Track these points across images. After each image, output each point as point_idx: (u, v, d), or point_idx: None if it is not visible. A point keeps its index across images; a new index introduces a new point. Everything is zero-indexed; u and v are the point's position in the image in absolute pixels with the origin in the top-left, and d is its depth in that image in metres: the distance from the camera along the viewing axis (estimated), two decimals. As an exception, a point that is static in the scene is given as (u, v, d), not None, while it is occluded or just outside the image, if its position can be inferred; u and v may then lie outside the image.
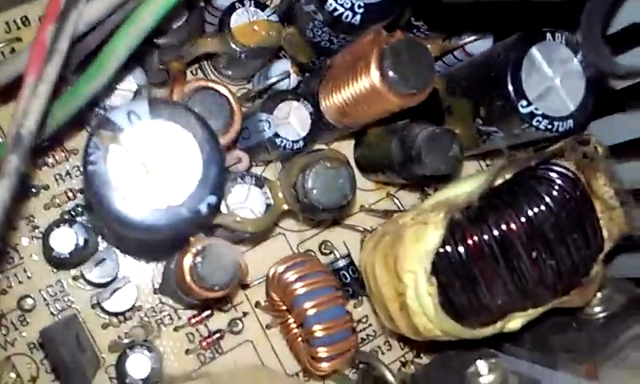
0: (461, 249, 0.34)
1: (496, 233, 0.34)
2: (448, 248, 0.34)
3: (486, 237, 0.34)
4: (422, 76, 0.33)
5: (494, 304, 0.34)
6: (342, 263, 0.44)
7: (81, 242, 0.35)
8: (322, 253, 0.44)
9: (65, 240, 0.35)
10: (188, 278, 0.34)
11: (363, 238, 0.44)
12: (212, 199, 0.29)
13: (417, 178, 0.40)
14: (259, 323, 0.42)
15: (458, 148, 0.38)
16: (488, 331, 0.34)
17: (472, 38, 0.40)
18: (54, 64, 0.26)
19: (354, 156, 0.44)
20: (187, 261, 0.33)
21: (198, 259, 0.33)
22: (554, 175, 0.36)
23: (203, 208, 0.29)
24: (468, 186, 0.37)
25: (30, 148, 0.24)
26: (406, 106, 0.34)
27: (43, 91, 0.25)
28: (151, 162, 0.28)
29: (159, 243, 0.34)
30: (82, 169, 0.28)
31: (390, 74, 0.32)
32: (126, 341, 0.38)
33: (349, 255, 0.44)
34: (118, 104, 0.34)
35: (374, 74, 0.33)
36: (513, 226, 0.35)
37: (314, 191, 0.35)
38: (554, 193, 0.35)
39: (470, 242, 0.34)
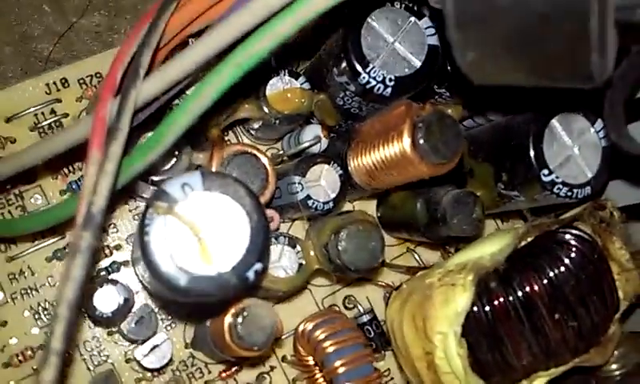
0: (487, 309, 0.36)
1: (520, 294, 0.36)
2: (475, 309, 0.36)
3: (511, 298, 0.36)
4: (451, 147, 0.35)
5: (519, 364, 0.35)
6: (365, 318, 0.45)
7: (122, 301, 0.36)
8: (347, 308, 0.46)
9: (108, 299, 0.36)
10: (227, 337, 0.35)
11: (386, 293, 0.45)
12: (259, 266, 0.31)
13: (440, 239, 0.42)
14: (286, 377, 0.43)
15: (481, 210, 0.40)
16: (514, 390, 0.36)
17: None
18: (119, 142, 0.28)
19: (377, 215, 0.45)
20: (227, 320, 0.35)
21: (238, 320, 0.35)
22: (572, 239, 0.38)
23: (251, 275, 0.30)
24: (490, 247, 0.39)
25: (101, 225, 0.25)
26: (434, 174, 0.36)
27: (110, 169, 0.27)
28: (203, 231, 0.30)
29: (203, 306, 0.36)
30: (138, 237, 0.30)
31: (422, 144, 0.34)
32: (161, 396, 0.39)
33: (372, 310, 0.46)
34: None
35: (407, 144, 0.35)
36: (536, 287, 0.36)
37: (347, 253, 0.37)
38: (573, 255, 0.37)
39: (496, 303, 0.36)
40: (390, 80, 0.36)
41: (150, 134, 0.31)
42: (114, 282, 0.37)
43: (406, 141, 0.35)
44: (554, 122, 0.37)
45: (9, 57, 0.47)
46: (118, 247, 0.42)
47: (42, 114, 0.42)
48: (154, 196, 0.30)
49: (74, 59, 0.46)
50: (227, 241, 0.30)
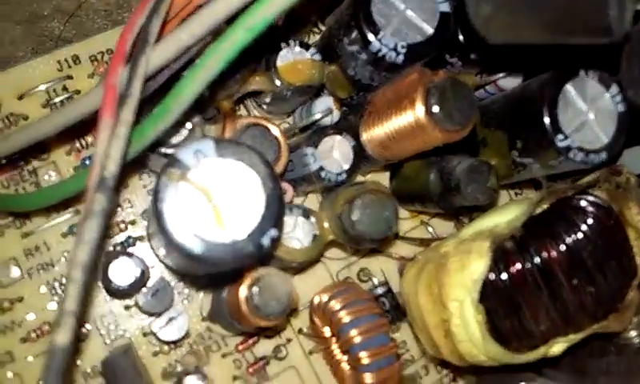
0: (504, 277, 0.36)
1: (537, 261, 0.36)
2: (492, 276, 0.36)
3: (528, 265, 0.36)
4: (465, 113, 0.34)
5: (537, 330, 0.35)
6: (380, 290, 0.45)
7: (138, 274, 0.37)
8: (361, 280, 0.46)
9: (124, 272, 0.36)
10: (244, 307, 0.35)
11: (400, 266, 0.45)
12: (274, 233, 0.30)
13: (454, 209, 0.41)
14: (302, 350, 0.44)
15: (495, 179, 0.39)
16: (532, 356, 0.36)
17: (504, 74, 0.42)
18: (130, 107, 0.28)
19: (390, 187, 0.45)
20: (243, 291, 0.35)
21: (254, 290, 0.35)
22: (588, 205, 0.38)
23: (266, 242, 0.30)
24: (505, 215, 0.39)
25: (114, 189, 0.26)
26: (448, 141, 0.36)
27: (122, 134, 0.27)
28: (217, 198, 0.30)
29: (219, 274, 0.36)
30: (152, 204, 0.30)
31: (436, 111, 0.34)
32: (179, 369, 0.39)
33: (386, 282, 0.46)
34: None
35: (420, 111, 0.35)
36: (553, 253, 0.36)
37: (361, 222, 0.37)
38: (590, 221, 0.37)
39: (513, 270, 0.36)
40: (402, 47, 0.36)
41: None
42: (130, 255, 0.37)
43: (420, 108, 0.35)
44: (568, 86, 0.37)
45: (19, 36, 0.46)
46: (132, 222, 0.42)
47: (54, 90, 0.42)
48: (167, 163, 0.30)
49: (84, 38, 0.46)
50: (242, 208, 0.30)
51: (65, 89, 0.42)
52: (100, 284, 0.39)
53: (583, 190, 0.38)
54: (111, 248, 0.41)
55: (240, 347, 0.42)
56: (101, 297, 0.40)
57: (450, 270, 0.36)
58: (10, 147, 0.34)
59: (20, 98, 0.41)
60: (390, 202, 0.37)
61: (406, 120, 0.36)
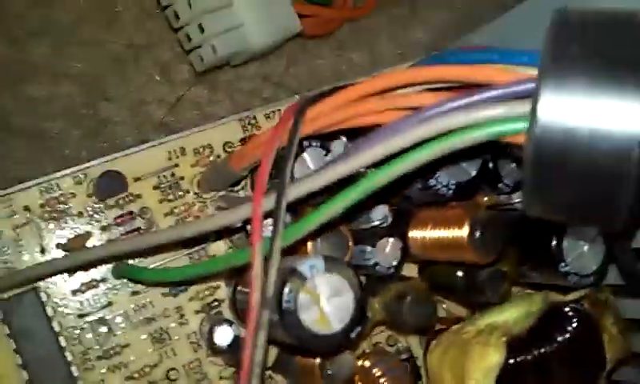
0: (510, 363, 0.48)
1: (536, 354, 0.48)
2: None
3: (529, 357, 0.48)
4: (498, 245, 0.46)
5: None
6: (404, 356, 0.57)
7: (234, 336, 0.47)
8: (389, 345, 0.57)
9: (224, 335, 0.47)
10: (317, 372, 0.46)
11: (421, 338, 0.57)
12: (359, 329, 0.41)
13: (471, 302, 0.53)
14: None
15: (508, 284, 0.51)
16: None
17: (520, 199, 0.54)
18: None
19: (420, 278, 0.57)
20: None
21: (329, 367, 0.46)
22: (574, 313, 0.50)
23: (353, 335, 0.41)
24: (512, 312, 0.51)
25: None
26: (479, 262, 0.48)
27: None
28: (322, 301, 0.41)
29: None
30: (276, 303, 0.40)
31: (477, 240, 0.46)
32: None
33: (409, 349, 0.57)
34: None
35: (464, 236, 0.46)
36: (548, 349, 0.48)
37: (410, 316, 0.48)
38: (575, 325, 0.49)
39: (519, 359, 0.48)
40: (452, 184, 0.47)
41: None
42: (230, 323, 0.47)
43: (464, 232, 0.46)
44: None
45: (126, 119, 0.56)
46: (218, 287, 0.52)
47: (164, 176, 0.52)
48: (289, 272, 0.40)
49: (178, 125, 0.55)
50: (338, 310, 0.41)
51: (173, 175, 0.52)
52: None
53: (573, 301, 0.50)
54: (200, 307, 0.51)
55: (297, 399, 0.53)
56: (189, 348, 0.51)
57: (474, 357, 0.48)
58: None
59: (136, 180, 0.51)
60: (432, 300, 0.49)
61: (450, 236, 0.47)
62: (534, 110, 0.32)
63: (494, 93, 0.36)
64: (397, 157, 0.36)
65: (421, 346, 0.57)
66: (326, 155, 0.47)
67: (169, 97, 0.56)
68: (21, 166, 0.51)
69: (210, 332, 0.47)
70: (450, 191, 0.48)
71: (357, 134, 0.47)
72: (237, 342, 0.47)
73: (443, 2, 0.65)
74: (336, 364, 0.46)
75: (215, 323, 0.47)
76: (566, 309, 0.50)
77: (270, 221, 0.40)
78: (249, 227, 0.47)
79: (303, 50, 0.62)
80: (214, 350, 0.47)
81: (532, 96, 0.34)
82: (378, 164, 0.37)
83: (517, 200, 0.55)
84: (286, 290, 0.40)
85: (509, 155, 0.50)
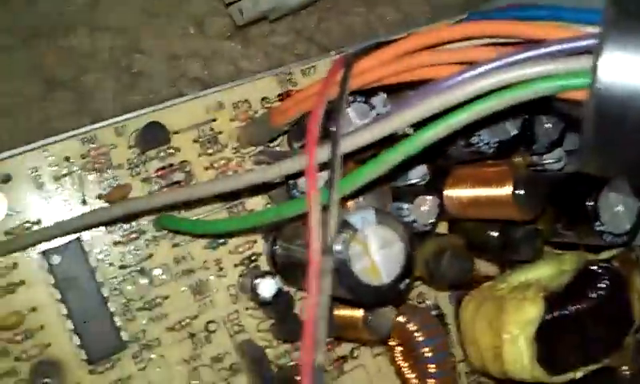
0: (549, 320, 0.49)
1: (572, 310, 0.49)
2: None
3: (565, 312, 0.49)
4: (539, 202, 0.47)
5: (571, 361, 0.49)
6: (433, 313, 0.58)
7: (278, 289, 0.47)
8: (418, 303, 0.58)
9: (268, 287, 0.47)
10: (361, 325, 0.47)
11: (457, 295, 0.57)
12: (407, 281, 0.42)
13: (504, 260, 0.54)
14: (371, 352, 0.56)
15: (542, 242, 0.52)
16: (563, 379, 0.49)
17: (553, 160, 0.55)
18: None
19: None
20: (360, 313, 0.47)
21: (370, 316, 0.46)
22: (606, 271, 0.51)
23: (403, 286, 0.42)
24: (544, 270, 0.52)
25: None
26: (519, 219, 0.48)
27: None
28: (372, 252, 0.41)
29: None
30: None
31: (521, 197, 0.46)
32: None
33: (438, 307, 0.58)
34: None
35: (508, 192, 0.47)
36: (582, 306, 0.50)
37: (448, 271, 0.49)
38: (606, 283, 0.51)
39: (556, 314, 0.49)
40: (494, 143, 0.48)
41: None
42: (273, 275, 0.48)
43: (508, 189, 0.47)
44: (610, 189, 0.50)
45: (160, 74, 0.55)
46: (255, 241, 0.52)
47: (202, 129, 0.51)
48: (341, 224, 0.41)
49: (212, 79, 0.55)
50: (388, 261, 0.42)
51: (211, 129, 0.52)
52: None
53: (605, 260, 0.51)
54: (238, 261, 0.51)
55: (329, 347, 0.54)
56: (228, 300, 0.51)
57: (508, 310, 0.49)
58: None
59: (175, 133, 0.51)
60: (469, 256, 0.49)
61: (492, 194, 0.48)
62: (595, 66, 0.32)
63: (553, 48, 0.37)
64: (451, 111, 0.37)
65: (450, 302, 0.59)
66: (370, 111, 0.47)
67: (203, 51, 0.56)
68: (59, 117, 0.51)
69: (253, 285, 0.47)
70: (492, 149, 0.48)
71: (395, 90, 0.48)
72: (279, 295, 0.48)
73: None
74: (378, 317, 0.47)
75: (258, 276, 0.48)
76: (598, 267, 0.51)
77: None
78: (291, 182, 0.47)
79: (334, 5, 0.61)
80: (257, 302, 0.48)
81: (593, 51, 0.35)
82: (430, 119, 0.37)
83: (549, 160, 0.55)
84: (338, 239, 0.40)
85: (547, 114, 0.51)
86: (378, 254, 0.41)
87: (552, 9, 0.38)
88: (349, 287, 0.40)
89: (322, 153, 0.39)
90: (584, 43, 0.36)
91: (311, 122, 0.41)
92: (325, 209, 0.36)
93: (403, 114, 0.38)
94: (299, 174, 0.43)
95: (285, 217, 0.42)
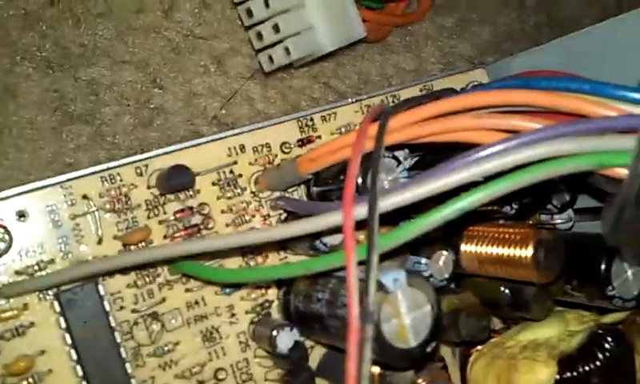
0: (558, 379, 0.49)
1: (581, 371, 0.50)
2: (551, 381, 0.49)
3: (575, 373, 0.50)
4: (558, 265, 0.48)
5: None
6: (439, 365, 0.58)
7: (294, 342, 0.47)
8: (424, 353, 0.58)
9: (286, 339, 0.46)
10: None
11: (456, 348, 0.58)
12: (434, 344, 0.42)
13: (512, 318, 0.55)
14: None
15: (552, 302, 0.53)
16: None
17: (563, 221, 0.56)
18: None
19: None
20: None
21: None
22: (611, 335, 0.52)
23: (429, 349, 0.42)
24: (551, 330, 0.53)
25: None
26: (536, 282, 0.49)
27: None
28: (404, 315, 0.41)
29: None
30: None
31: (541, 260, 0.47)
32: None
33: (442, 359, 0.58)
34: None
35: (529, 255, 0.47)
36: (589, 367, 0.50)
37: (464, 329, 0.49)
38: (611, 345, 0.52)
39: (566, 376, 0.49)
40: (516, 203, 0.49)
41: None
42: (291, 327, 0.47)
43: (529, 252, 0.47)
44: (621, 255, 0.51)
45: (179, 111, 0.54)
46: (268, 286, 0.52)
47: (223, 172, 0.51)
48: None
49: (230, 120, 0.54)
50: (417, 323, 0.41)
51: (232, 172, 0.51)
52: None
53: (611, 324, 0.52)
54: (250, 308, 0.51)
55: None
56: (238, 348, 0.50)
57: (520, 371, 0.49)
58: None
59: (197, 174, 0.50)
60: (485, 313, 0.50)
61: (512, 255, 0.49)
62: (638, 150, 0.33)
63: (596, 125, 0.38)
64: (493, 178, 0.37)
65: (454, 356, 0.59)
66: (397, 166, 0.47)
67: (222, 90, 0.55)
68: (74, 151, 0.49)
69: (272, 336, 0.46)
70: (513, 210, 0.49)
71: (420, 148, 0.48)
72: (296, 347, 0.47)
73: (488, 16, 0.66)
74: (397, 375, 0.46)
75: (276, 327, 0.47)
76: (606, 330, 0.52)
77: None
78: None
79: (351, 52, 0.62)
80: (273, 353, 0.47)
81: (638, 131, 0.36)
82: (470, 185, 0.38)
83: (559, 220, 0.57)
84: (372, 302, 0.40)
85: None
86: (407, 316, 0.41)
87: (595, 84, 0.39)
88: (376, 349, 0.40)
89: (360, 211, 0.39)
90: (626, 123, 0.37)
91: (348, 176, 0.41)
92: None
93: (449, 176, 0.38)
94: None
95: (314, 272, 0.42)
